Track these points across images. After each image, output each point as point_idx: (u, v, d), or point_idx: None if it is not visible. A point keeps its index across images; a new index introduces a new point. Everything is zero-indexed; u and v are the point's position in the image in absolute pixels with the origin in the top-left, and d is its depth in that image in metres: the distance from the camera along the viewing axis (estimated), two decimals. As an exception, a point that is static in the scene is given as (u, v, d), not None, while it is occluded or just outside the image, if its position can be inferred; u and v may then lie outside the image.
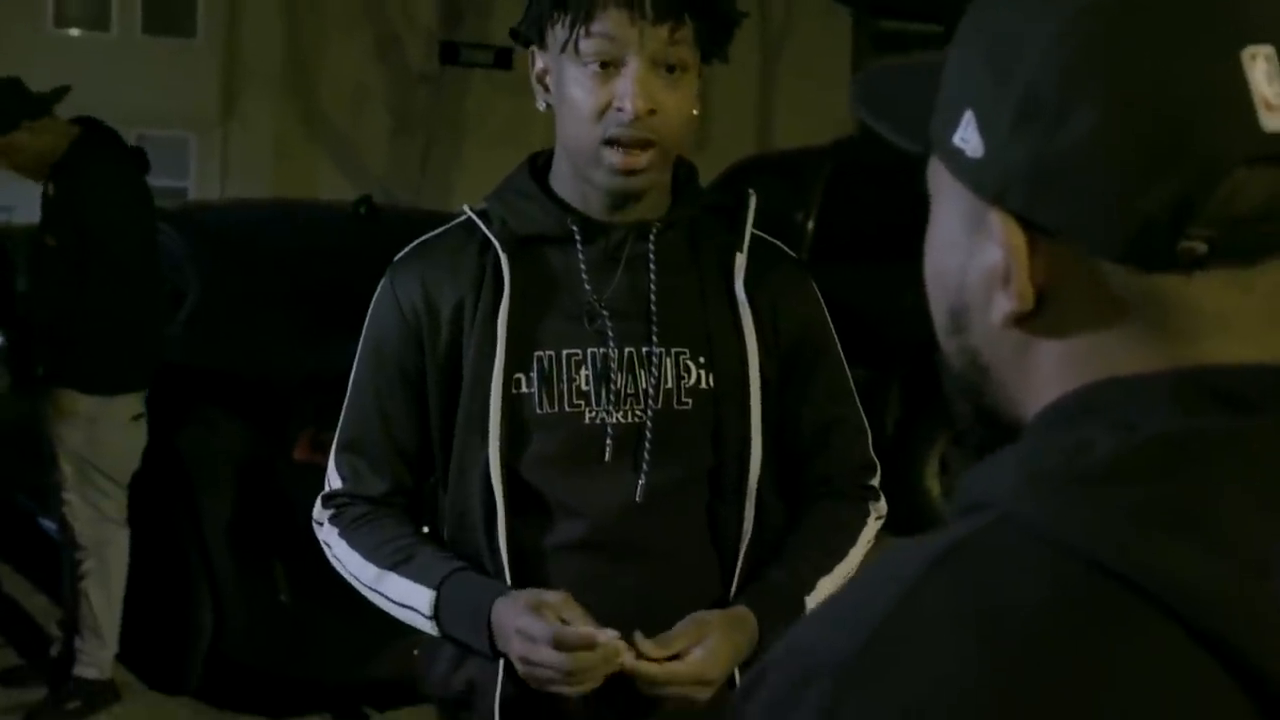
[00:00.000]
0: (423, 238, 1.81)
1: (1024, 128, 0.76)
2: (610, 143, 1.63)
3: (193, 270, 4.96)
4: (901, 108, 0.89)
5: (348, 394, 1.83)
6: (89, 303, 4.24)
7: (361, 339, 1.81)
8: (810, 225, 7.32)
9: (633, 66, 1.62)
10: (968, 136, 0.80)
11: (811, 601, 1.75)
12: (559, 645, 1.58)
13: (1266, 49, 0.73)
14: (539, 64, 1.73)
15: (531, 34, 1.72)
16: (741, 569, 1.75)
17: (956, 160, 0.81)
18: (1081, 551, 0.71)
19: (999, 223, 0.78)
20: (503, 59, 16.74)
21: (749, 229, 1.77)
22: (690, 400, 1.71)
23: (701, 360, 1.71)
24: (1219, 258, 0.74)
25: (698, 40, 1.65)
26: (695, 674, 1.62)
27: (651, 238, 1.72)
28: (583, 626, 1.60)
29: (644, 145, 1.64)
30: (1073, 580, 0.71)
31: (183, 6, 16.13)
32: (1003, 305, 0.79)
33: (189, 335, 4.77)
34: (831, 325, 1.84)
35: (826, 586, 1.77)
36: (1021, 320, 0.80)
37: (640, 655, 1.61)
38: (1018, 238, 0.78)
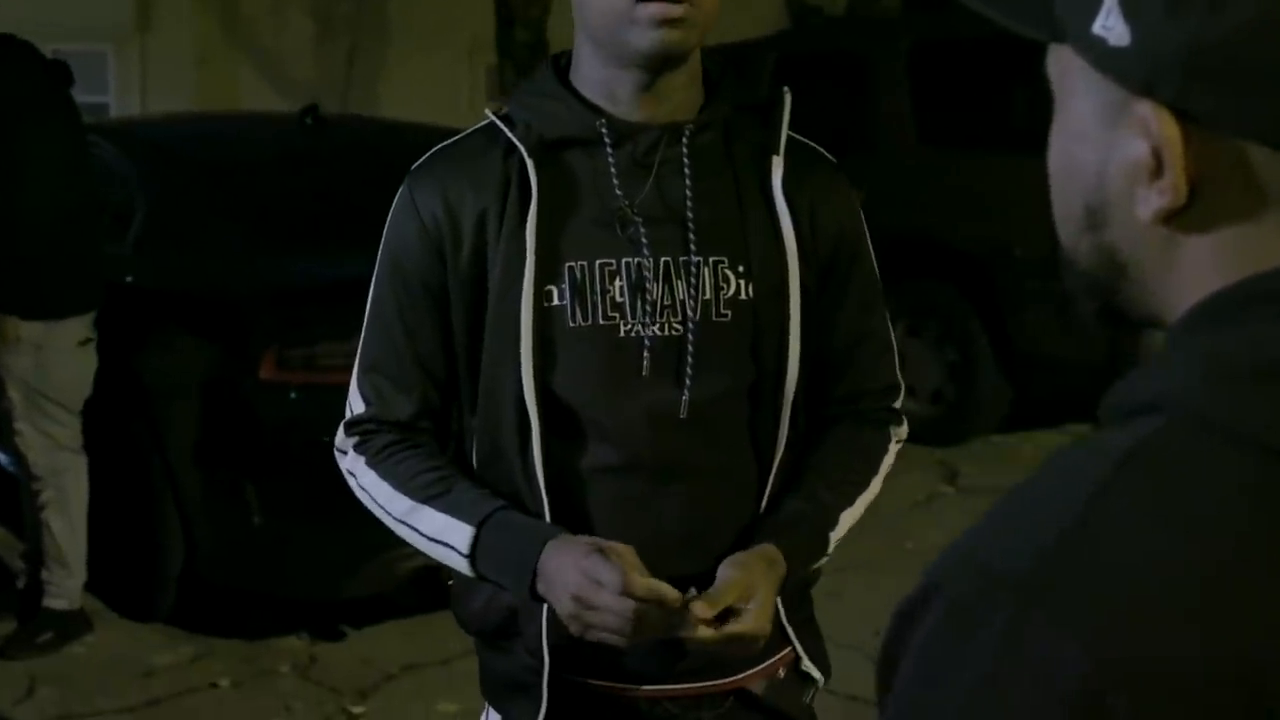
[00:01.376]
0: (441, 144, 1.72)
1: (1180, 12, 0.72)
2: None
3: (139, 188, 4.83)
4: None
5: (367, 311, 1.75)
6: (22, 225, 4.12)
7: (380, 252, 1.73)
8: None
9: None
10: (1110, 24, 0.75)
11: (835, 536, 1.71)
12: (626, 593, 1.51)
13: None
14: None
15: None
16: (774, 484, 1.70)
17: (1096, 50, 0.76)
18: (1276, 449, 0.69)
19: (1152, 114, 0.74)
20: (425, -40, 16.40)
21: (785, 129, 1.69)
22: (730, 311, 1.65)
23: (740, 269, 1.65)
24: None
25: None
26: (752, 632, 1.58)
27: (685, 140, 1.65)
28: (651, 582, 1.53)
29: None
30: (1271, 479, 0.69)
31: (91, -87, 15.66)
32: (1152, 200, 0.76)
33: (140, 256, 4.66)
34: (867, 233, 1.78)
35: (848, 520, 1.73)
36: (1170, 215, 0.75)
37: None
38: (1172, 129, 0.74)
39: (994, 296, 6.40)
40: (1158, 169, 0.74)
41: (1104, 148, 0.77)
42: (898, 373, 1.82)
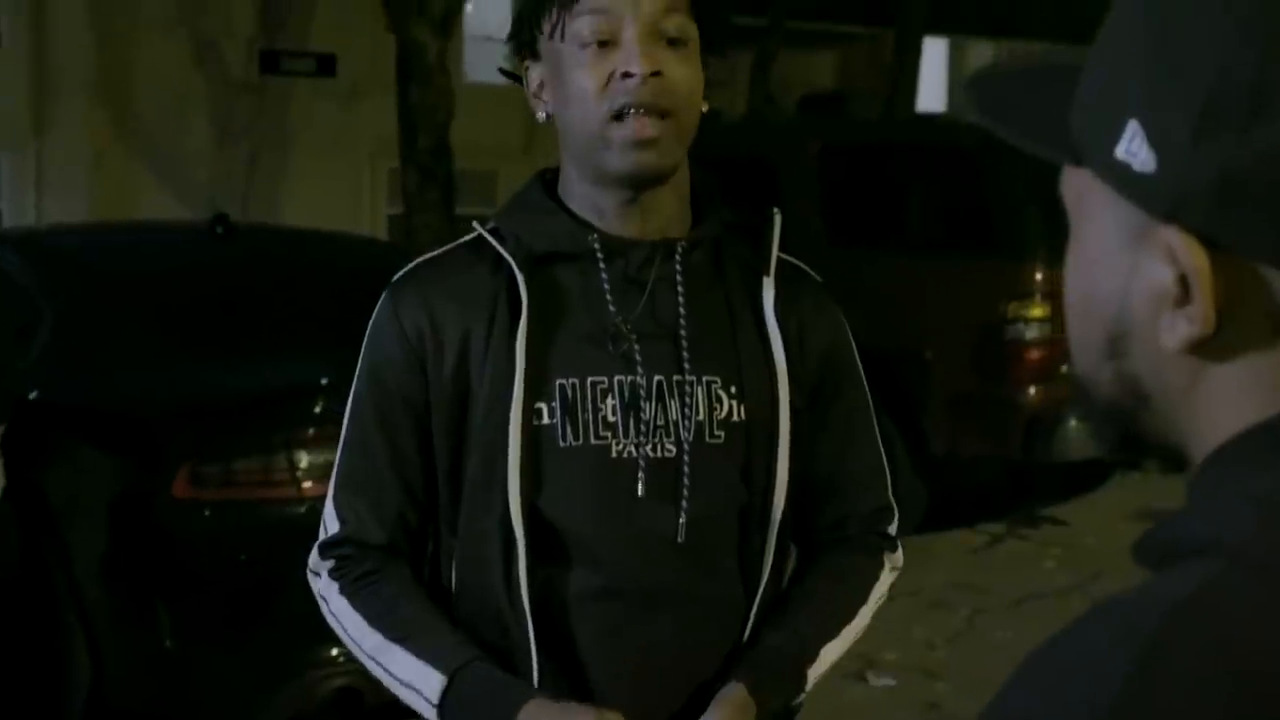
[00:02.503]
0: (425, 256, 1.69)
1: (1210, 136, 0.70)
2: (619, 115, 1.54)
3: (44, 300, 4.71)
4: (1034, 115, 0.82)
5: (345, 425, 1.69)
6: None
7: (359, 365, 1.68)
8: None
9: (631, 32, 1.54)
10: (1134, 149, 0.73)
11: (814, 672, 1.67)
12: None
13: None
14: (534, 80, 1.64)
15: (524, 47, 1.63)
16: (758, 611, 1.66)
17: (1119, 174, 0.74)
18: None
19: (1180, 242, 0.72)
20: (325, 66, 16.43)
21: (775, 250, 1.68)
22: (723, 433, 1.62)
23: (733, 390, 1.62)
24: None
25: (693, 12, 1.58)
26: None
27: (678, 257, 1.62)
28: None
29: (655, 112, 1.54)
30: None
31: (-17, 18, 15.52)
32: (1180, 329, 0.73)
33: (46, 369, 4.52)
34: (857, 356, 1.76)
35: (832, 654, 1.69)
36: (1197, 344, 0.73)
37: None
38: (1201, 258, 0.72)
39: (907, 398, 6.43)
40: (1184, 296, 0.72)
41: (1127, 273, 0.75)
42: (890, 495, 1.78)
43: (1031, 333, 6.25)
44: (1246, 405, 0.73)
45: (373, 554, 1.65)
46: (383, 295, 1.67)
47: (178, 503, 3.95)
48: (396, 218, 13.26)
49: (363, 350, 1.67)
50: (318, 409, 4.02)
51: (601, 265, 1.61)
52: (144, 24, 15.74)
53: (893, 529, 1.78)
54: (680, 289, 1.61)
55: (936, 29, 18.59)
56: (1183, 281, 0.72)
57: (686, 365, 1.60)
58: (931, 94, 20.10)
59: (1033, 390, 6.34)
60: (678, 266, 1.62)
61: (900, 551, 1.79)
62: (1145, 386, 0.77)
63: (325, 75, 16.61)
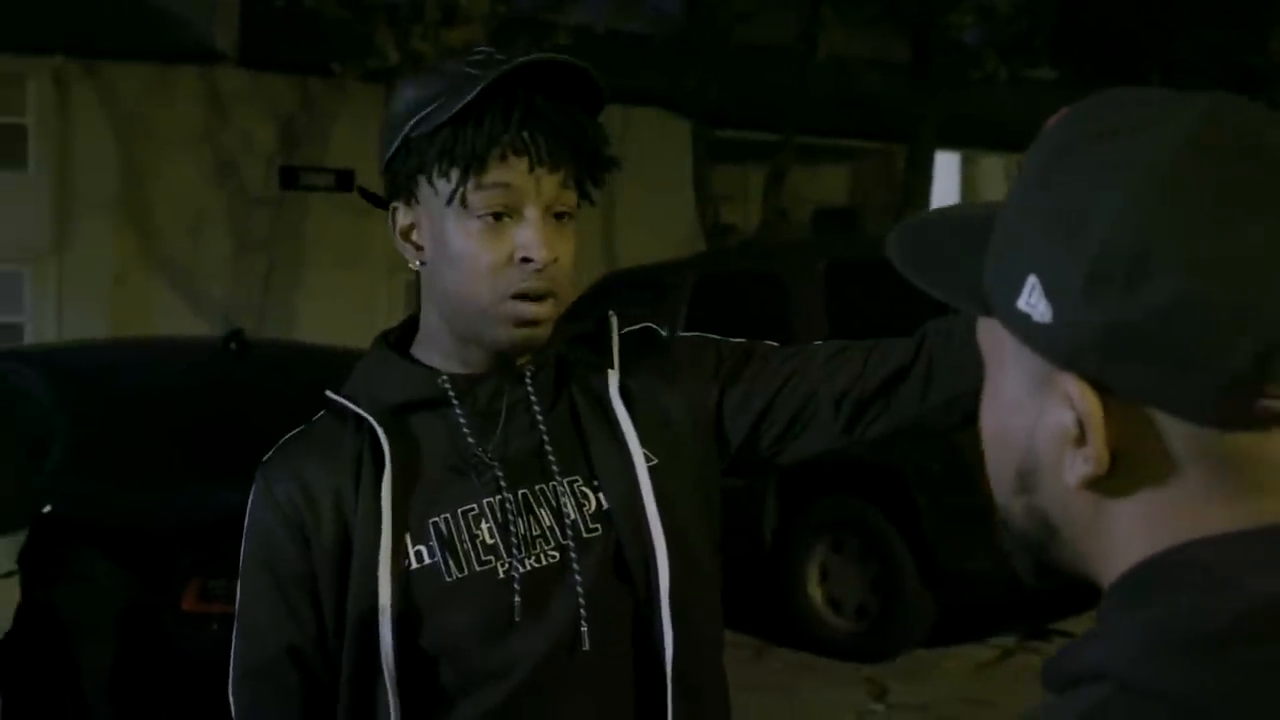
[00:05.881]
0: (288, 435, 1.69)
1: (1097, 293, 0.76)
2: (517, 296, 1.56)
3: (60, 416, 4.79)
4: (951, 268, 0.88)
5: (238, 615, 1.67)
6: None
7: (243, 551, 1.66)
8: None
9: (533, 215, 1.55)
10: (1033, 301, 0.79)
11: None
12: None
13: None
14: (403, 220, 1.62)
15: (397, 189, 1.61)
16: (673, 687, 1.64)
17: (1021, 324, 0.80)
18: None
19: (1074, 388, 0.78)
20: (344, 181, 16.67)
21: (616, 348, 1.70)
22: (598, 525, 1.63)
23: (595, 484, 1.64)
24: None
25: (577, 184, 1.60)
26: None
27: (528, 380, 1.65)
28: None
29: (548, 295, 1.57)
30: None
31: (12, 135, 15.83)
32: (1078, 468, 0.79)
33: (60, 484, 4.59)
34: (718, 337, 1.75)
35: None
36: (1095, 482, 0.79)
37: None
38: (1094, 403, 0.77)
39: (914, 511, 6.44)
40: (1081, 437, 0.78)
41: (1033, 415, 0.81)
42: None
43: (1038, 446, 6.27)
44: (1142, 541, 0.79)
45: None
46: (255, 477, 1.66)
47: (186, 616, 4.00)
48: (412, 331, 13.29)
49: (244, 535, 1.66)
50: (325, 524, 4.04)
51: (455, 404, 1.63)
52: (165, 143, 16.02)
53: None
54: (537, 408, 1.64)
55: (948, 143, 18.80)
56: (1081, 424, 0.78)
57: (554, 469, 1.62)
58: (943, 207, 20.24)
59: (1040, 503, 6.34)
60: (529, 388, 1.65)
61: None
62: (1053, 520, 0.83)
63: (343, 190, 16.84)
